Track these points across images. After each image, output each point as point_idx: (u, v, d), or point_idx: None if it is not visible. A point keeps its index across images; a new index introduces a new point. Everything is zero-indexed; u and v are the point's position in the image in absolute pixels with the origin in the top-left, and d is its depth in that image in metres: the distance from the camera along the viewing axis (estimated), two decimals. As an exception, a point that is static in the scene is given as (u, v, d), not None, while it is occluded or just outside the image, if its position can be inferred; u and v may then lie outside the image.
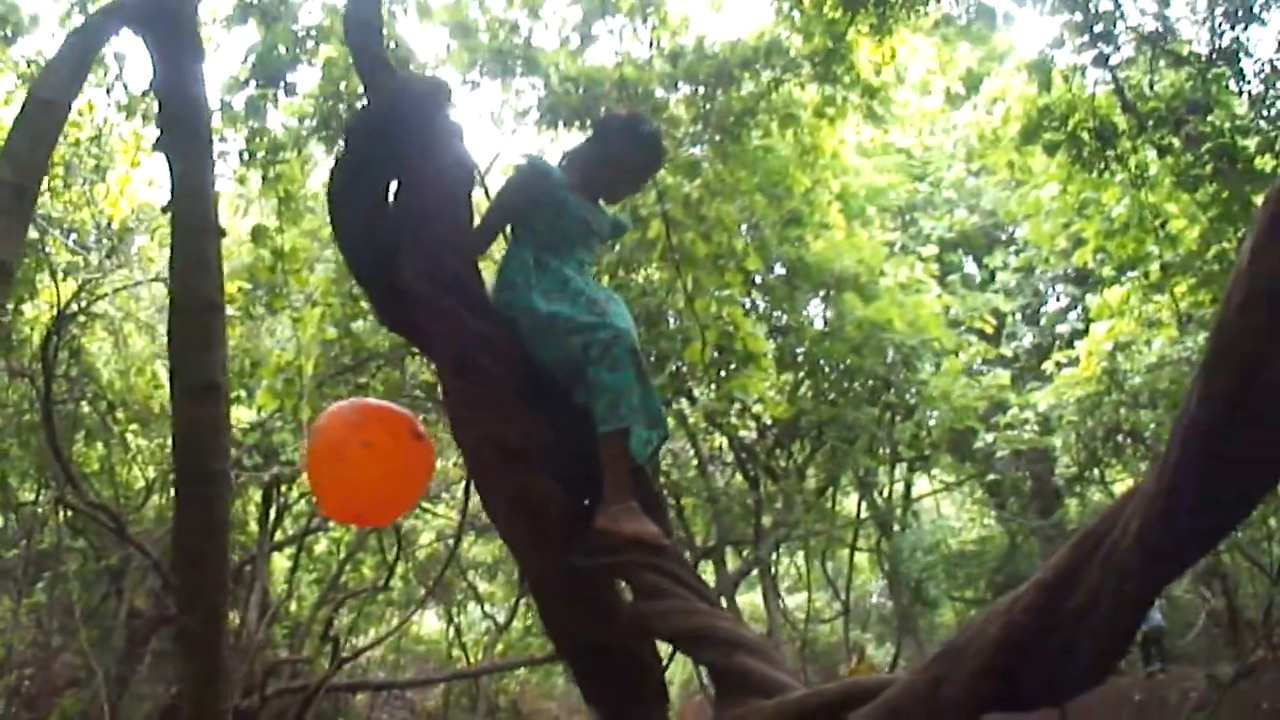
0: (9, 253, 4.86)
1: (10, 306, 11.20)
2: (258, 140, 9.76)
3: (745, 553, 15.40)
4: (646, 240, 10.24)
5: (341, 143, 3.51)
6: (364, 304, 12.57)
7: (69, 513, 12.95)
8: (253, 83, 9.50)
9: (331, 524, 16.78)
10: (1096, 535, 1.68)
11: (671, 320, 11.23)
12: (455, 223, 3.29)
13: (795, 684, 2.40)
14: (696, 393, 12.11)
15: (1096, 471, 16.62)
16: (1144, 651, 16.21)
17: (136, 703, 13.84)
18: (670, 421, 12.33)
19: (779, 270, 12.37)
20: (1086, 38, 9.85)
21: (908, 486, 20.30)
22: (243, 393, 13.55)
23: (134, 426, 14.54)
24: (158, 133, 5.70)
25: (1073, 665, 1.67)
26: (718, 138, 10.87)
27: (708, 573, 16.27)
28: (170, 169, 5.41)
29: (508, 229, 3.38)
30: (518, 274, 3.20)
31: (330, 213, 3.32)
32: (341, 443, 3.31)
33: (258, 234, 9.73)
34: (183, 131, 5.41)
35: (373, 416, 3.45)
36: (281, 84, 9.55)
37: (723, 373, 10.67)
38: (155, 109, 6.05)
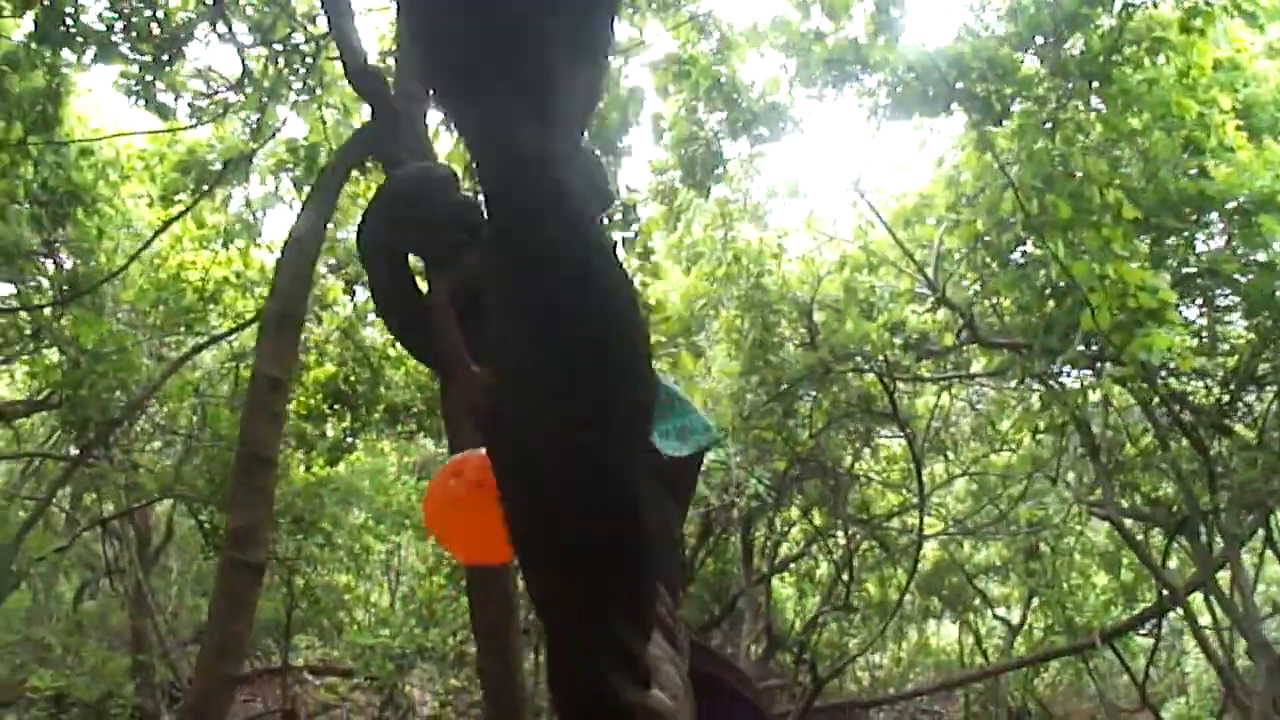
0: (284, 370, 5.54)
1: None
2: (613, 205, 10.26)
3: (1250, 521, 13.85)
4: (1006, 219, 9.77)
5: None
6: (778, 333, 12.83)
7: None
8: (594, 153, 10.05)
9: (828, 548, 17.02)
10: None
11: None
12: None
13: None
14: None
15: None
16: None
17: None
18: (1090, 395, 11.59)
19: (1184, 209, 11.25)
20: None
21: None
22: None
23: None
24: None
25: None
26: (1092, 83, 10.21)
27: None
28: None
29: None
30: None
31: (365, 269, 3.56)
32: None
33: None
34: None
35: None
36: (618, 147, 10.06)
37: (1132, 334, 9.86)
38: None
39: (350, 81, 6.59)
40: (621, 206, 10.20)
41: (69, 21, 7.88)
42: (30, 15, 7.93)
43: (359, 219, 3.47)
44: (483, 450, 3.92)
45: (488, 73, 1.93)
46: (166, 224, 9.51)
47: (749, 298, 12.28)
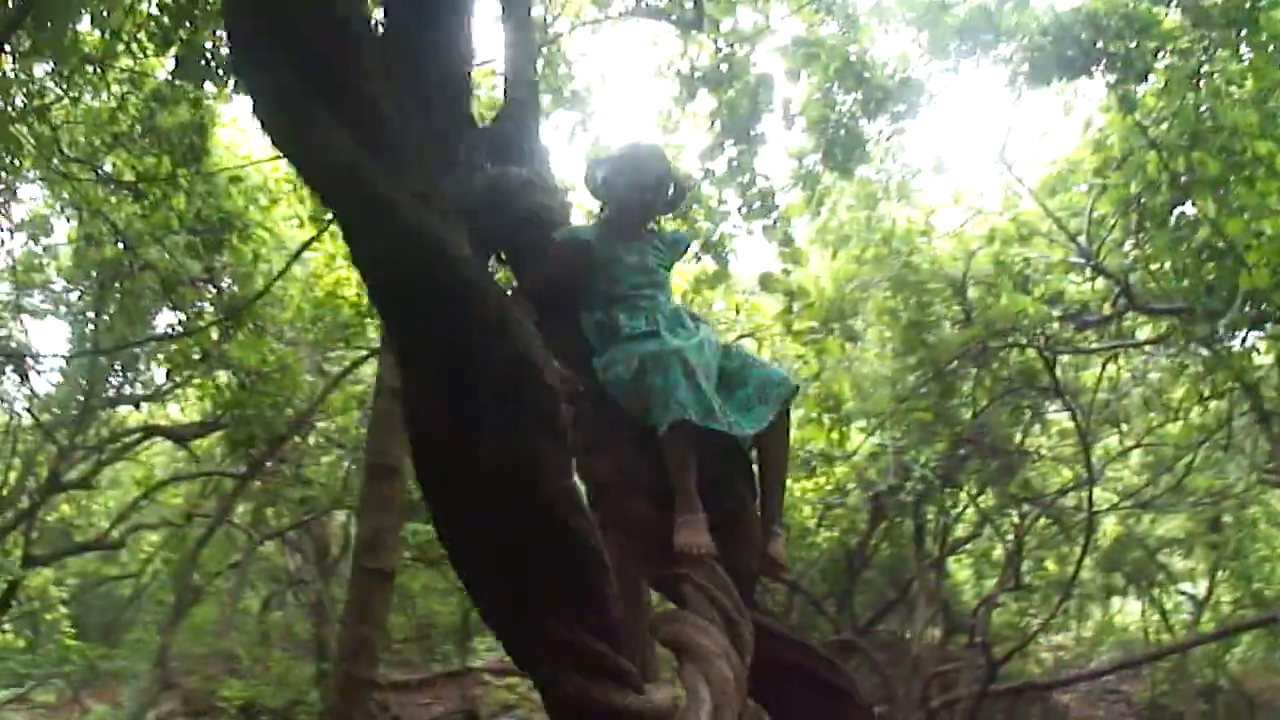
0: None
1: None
2: (750, 193, 10.19)
3: None
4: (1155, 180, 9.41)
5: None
6: (932, 312, 12.55)
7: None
8: (727, 143, 10.01)
9: (1001, 531, 16.53)
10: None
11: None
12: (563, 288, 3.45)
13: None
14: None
15: None
16: None
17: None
18: (1259, 358, 11.07)
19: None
20: None
21: None
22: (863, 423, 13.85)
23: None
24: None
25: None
26: (1238, 32, 9.76)
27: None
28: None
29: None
30: (590, 334, 3.30)
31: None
32: None
33: (765, 281, 10.16)
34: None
35: None
36: (750, 136, 9.99)
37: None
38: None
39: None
40: (759, 194, 10.14)
41: (209, 56, 8.13)
42: (172, 52, 8.21)
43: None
44: None
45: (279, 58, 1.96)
46: (305, 245, 9.79)
47: (900, 278, 12.06)
